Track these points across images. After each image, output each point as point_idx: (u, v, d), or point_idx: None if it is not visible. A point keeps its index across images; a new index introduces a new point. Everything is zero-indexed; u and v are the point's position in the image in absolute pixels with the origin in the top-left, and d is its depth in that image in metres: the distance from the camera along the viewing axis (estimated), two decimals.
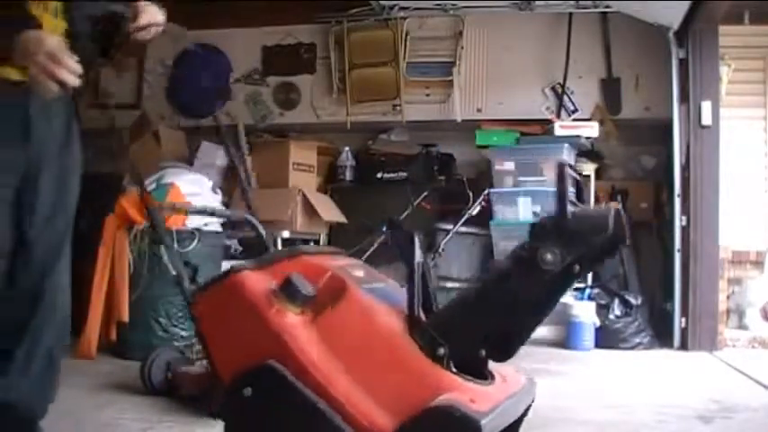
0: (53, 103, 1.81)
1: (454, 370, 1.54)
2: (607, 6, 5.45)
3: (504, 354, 1.59)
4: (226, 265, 4.34)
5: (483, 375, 1.59)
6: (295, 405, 1.55)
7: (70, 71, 1.65)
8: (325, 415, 1.52)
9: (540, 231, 1.53)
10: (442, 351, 1.54)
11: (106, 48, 1.98)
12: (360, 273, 1.76)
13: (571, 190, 1.45)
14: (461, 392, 1.49)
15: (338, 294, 1.64)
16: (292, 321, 1.61)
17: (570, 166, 1.55)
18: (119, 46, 1.97)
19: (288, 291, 1.63)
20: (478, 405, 1.46)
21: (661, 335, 4.84)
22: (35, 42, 1.65)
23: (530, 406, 1.71)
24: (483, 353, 1.57)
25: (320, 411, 1.53)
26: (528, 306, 1.56)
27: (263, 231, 2.33)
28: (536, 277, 1.50)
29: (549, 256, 1.48)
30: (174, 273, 1.84)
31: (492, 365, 1.63)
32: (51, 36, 1.69)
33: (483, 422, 1.41)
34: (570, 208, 1.51)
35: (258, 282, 1.68)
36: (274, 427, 1.61)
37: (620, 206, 1.60)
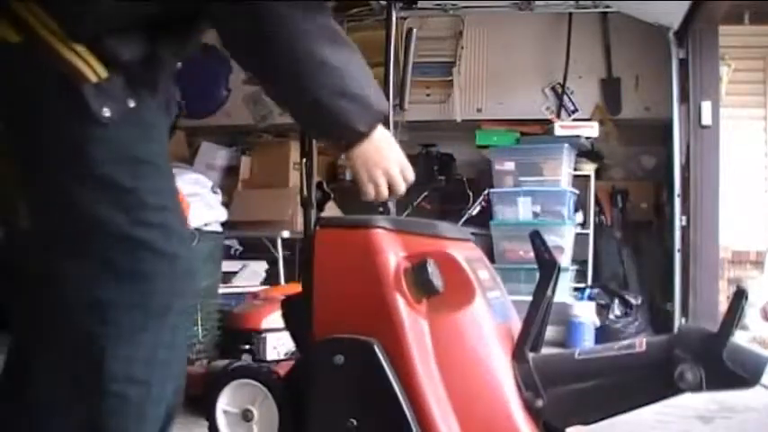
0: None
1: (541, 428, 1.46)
2: (607, 6, 5.44)
3: (585, 423, 1.54)
4: (226, 264, 4.36)
5: None
6: (381, 397, 1.45)
7: (405, 185, 1.41)
8: (407, 420, 1.43)
9: (686, 340, 1.44)
10: (540, 404, 1.45)
11: None
12: (485, 274, 1.63)
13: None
14: None
15: (464, 300, 1.53)
16: (411, 310, 1.48)
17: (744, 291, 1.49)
18: None
19: (419, 276, 1.47)
20: None
21: (661, 335, 4.83)
22: (388, 146, 1.32)
23: None
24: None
25: (403, 414, 1.43)
26: (636, 399, 1.51)
27: None
28: (662, 383, 1.43)
29: (689, 376, 1.40)
30: (304, 194, 1.62)
31: None
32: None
33: None
34: (732, 339, 1.42)
35: (393, 250, 1.52)
36: (349, 404, 1.50)
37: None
